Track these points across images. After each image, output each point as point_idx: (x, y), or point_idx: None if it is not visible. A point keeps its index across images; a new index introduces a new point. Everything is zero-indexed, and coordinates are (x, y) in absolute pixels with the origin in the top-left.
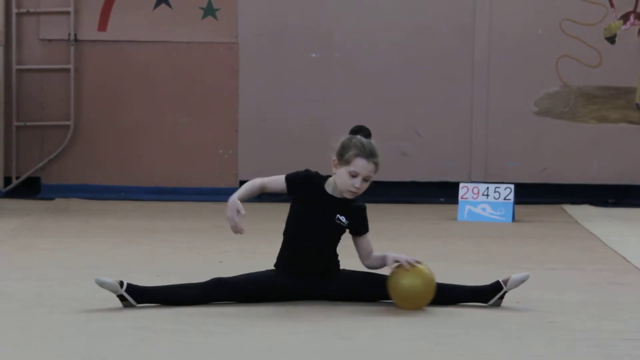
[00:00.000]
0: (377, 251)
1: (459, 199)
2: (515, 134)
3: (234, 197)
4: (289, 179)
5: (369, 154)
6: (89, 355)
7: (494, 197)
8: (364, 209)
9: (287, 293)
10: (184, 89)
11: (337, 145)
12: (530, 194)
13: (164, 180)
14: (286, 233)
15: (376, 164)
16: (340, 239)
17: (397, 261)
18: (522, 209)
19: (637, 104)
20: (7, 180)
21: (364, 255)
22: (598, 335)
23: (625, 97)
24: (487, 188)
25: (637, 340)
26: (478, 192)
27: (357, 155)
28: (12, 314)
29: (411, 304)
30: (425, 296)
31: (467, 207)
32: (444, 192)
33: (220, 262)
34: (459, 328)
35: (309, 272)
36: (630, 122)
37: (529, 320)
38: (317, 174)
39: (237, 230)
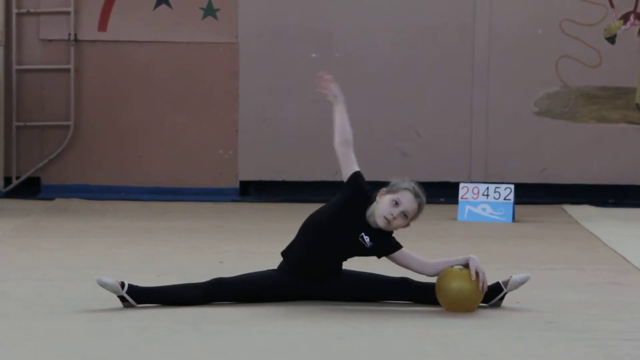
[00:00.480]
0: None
1: (459, 199)
2: (515, 134)
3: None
4: (357, 177)
5: (417, 194)
6: (89, 356)
7: (494, 197)
8: (390, 234)
9: (287, 293)
10: (184, 89)
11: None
12: (530, 194)
13: (164, 180)
14: (305, 229)
15: (420, 205)
16: (348, 257)
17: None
18: (522, 209)
19: (637, 104)
20: (7, 181)
21: (417, 267)
22: (598, 335)
23: (625, 97)
24: (487, 188)
25: (637, 340)
26: (478, 192)
27: (405, 189)
28: (12, 314)
29: (459, 307)
30: (472, 303)
31: (467, 207)
32: (444, 192)
33: (221, 262)
34: (459, 328)
35: (312, 276)
36: (630, 122)
37: (529, 320)
38: (368, 192)
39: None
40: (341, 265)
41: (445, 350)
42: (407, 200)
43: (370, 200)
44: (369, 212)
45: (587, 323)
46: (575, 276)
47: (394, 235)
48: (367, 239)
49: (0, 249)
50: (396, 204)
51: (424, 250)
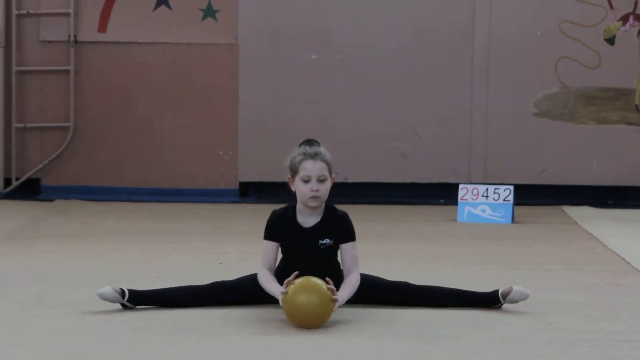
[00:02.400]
0: (351, 276)
1: (459, 200)
2: (515, 135)
3: (276, 292)
4: (267, 236)
5: (313, 155)
6: (89, 357)
7: (494, 199)
8: (345, 216)
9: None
10: (183, 90)
11: (287, 164)
12: (529, 195)
13: (164, 181)
14: (282, 261)
15: (325, 162)
16: (335, 254)
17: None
18: (522, 210)
19: (636, 106)
20: (7, 182)
21: (344, 268)
22: (597, 336)
23: (624, 99)
24: (487, 189)
25: (637, 341)
26: (477, 194)
27: (302, 161)
28: (12, 315)
29: (304, 321)
30: (321, 315)
31: (467, 208)
32: (443, 194)
33: (220, 263)
34: (457, 329)
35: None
36: (630, 123)
37: (528, 321)
38: (285, 209)
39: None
40: (336, 267)
41: (444, 351)
42: (311, 168)
43: (288, 214)
44: (301, 215)
45: (586, 324)
46: (574, 277)
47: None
48: (326, 240)
49: (0, 250)
50: (307, 180)
51: (423, 251)
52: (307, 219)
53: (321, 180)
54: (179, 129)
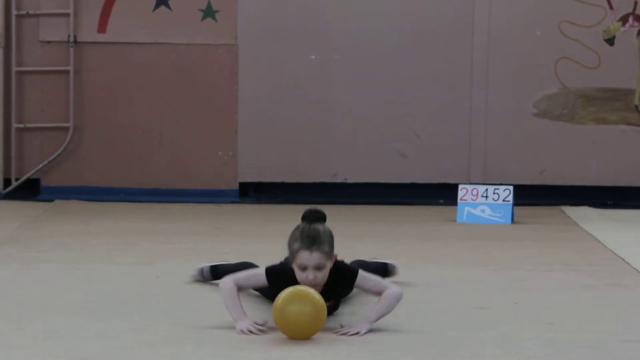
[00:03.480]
0: (385, 293)
1: (458, 200)
2: (514, 136)
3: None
4: (268, 273)
5: (310, 244)
6: (88, 357)
7: (493, 199)
8: (350, 280)
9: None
10: (183, 91)
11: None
12: (529, 196)
13: (164, 181)
14: None
15: (323, 252)
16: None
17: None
18: (521, 210)
19: (636, 106)
20: (7, 182)
21: (374, 292)
22: (597, 336)
23: (624, 99)
24: (486, 190)
25: (636, 342)
26: (477, 194)
27: (298, 250)
28: (11, 315)
29: (295, 332)
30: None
31: (467, 208)
32: (443, 194)
33: None
34: (457, 329)
35: None
36: (629, 123)
37: (527, 322)
38: (282, 270)
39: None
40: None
41: (444, 351)
42: (307, 260)
43: (289, 271)
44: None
45: (585, 324)
46: (574, 277)
47: (343, 262)
48: (330, 301)
49: (0, 250)
50: (304, 269)
51: (423, 251)
52: None
53: (316, 268)
54: (179, 130)
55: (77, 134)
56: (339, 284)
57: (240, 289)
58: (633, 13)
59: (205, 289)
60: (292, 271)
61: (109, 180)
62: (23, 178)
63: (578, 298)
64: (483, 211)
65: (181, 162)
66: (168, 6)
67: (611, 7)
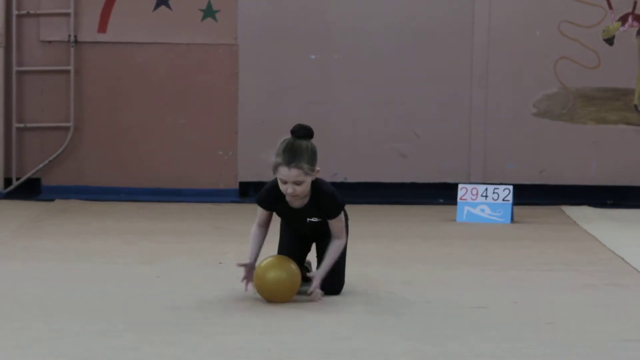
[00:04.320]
0: (333, 243)
1: (458, 200)
2: (514, 135)
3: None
4: (259, 203)
5: (289, 161)
6: (89, 357)
7: (493, 198)
8: (331, 199)
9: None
10: (183, 91)
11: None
12: (528, 195)
13: (164, 181)
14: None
15: (300, 168)
16: (322, 229)
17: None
18: (521, 210)
19: (635, 106)
20: (8, 182)
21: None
22: (596, 336)
23: (623, 99)
24: (486, 189)
25: (636, 341)
26: (477, 193)
27: (279, 165)
28: (12, 314)
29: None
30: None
31: (466, 208)
32: (443, 193)
33: (220, 262)
34: (457, 329)
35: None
36: (629, 123)
37: (527, 321)
38: (277, 187)
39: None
40: (326, 230)
41: (444, 351)
42: (286, 175)
43: (279, 192)
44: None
45: (585, 324)
46: (573, 277)
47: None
48: (314, 219)
49: (1, 250)
50: (284, 182)
51: (422, 251)
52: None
53: (295, 183)
54: (179, 129)
55: (77, 133)
56: (321, 206)
57: (262, 226)
58: (632, 13)
59: (206, 289)
60: (277, 191)
61: (109, 180)
62: (23, 178)
63: (578, 298)
64: (483, 211)
65: (181, 161)
66: (168, 6)
67: (610, 7)
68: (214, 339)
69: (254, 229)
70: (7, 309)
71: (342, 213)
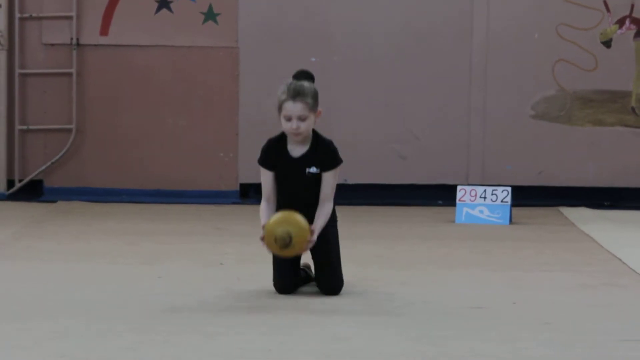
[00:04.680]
0: (324, 205)
1: (457, 201)
2: (512, 137)
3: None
4: (261, 162)
5: (294, 95)
6: (90, 357)
7: (491, 200)
8: (329, 146)
9: None
10: (185, 93)
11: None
12: (527, 197)
13: (165, 183)
14: (277, 192)
15: (306, 103)
16: (317, 186)
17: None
18: (519, 211)
19: (632, 108)
20: (10, 183)
21: (320, 194)
22: (594, 336)
23: (620, 101)
24: (485, 191)
25: (634, 341)
26: (475, 195)
27: (284, 101)
28: (15, 315)
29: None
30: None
31: (465, 209)
32: (441, 195)
33: (221, 263)
34: (455, 329)
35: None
36: (626, 125)
37: (525, 322)
38: (278, 138)
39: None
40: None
41: (443, 351)
42: (291, 110)
43: (279, 143)
44: (291, 144)
45: (583, 324)
46: (571, 277)
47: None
48: (312, 169)
49: (3, 251)
50: (289, 118)
51: (422, 252)
52: (296, 148)
53: (300, 119)
54: (180, 131)
55: (79, 135)
56: (321, 155)
57: (269, 198)
58: (630, 16)
59: (206, 290)
60: (277, 142)
61: (111, 182)
62: (26, 179)
63: (576, 298)
64: (481, 212)
65: (182, 163)
66: (170, 9)
67: (608, 10)
68: (215, 339)
69: (262, 204)
70: (9, 308)
71: (337, 169)
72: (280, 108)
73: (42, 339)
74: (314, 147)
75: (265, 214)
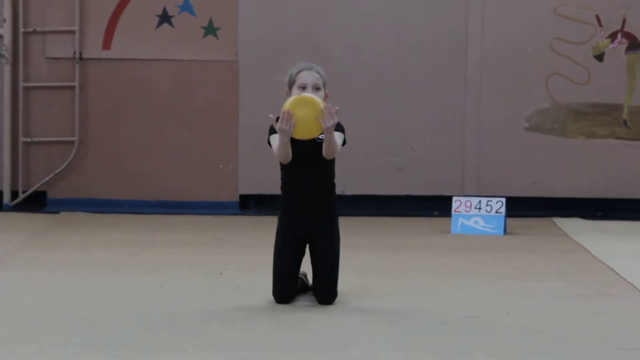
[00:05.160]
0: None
1: (453, 212)
2: (507, 149)
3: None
4: (273, 131)
5: (308, 67)
6: None
7: (486, 211)
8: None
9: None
10: (185, 106)
11: (285, 81)
12: (521, 207)
13: (166, 194)
14: (282, 181)
15: (319, 73)
16: (332, 162)
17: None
18: (513, 221)
19: (624, 120)
20: (14, 194)
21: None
22: (587, 344)
23: (613, 114)
24: (480, 202)
25: (626, 350)
26: (471, 206)
27: (299, 72)
28: (19, 323)
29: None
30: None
31: (460, 220)
32: (437, 206)
33: (221, 273)
34: (450, 337)
35: (308, 207)
36: (618, 137)
37: (519, 330)
38: None
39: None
40: (329, 183)
41: (438, 359)
42: (307, 77)
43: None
44: None
45: (576, 332)
46: (564, 287)
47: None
48: (321, 135)
49: (8, 261)
50: (304, 87)
51: (418, 261)
52: None
53: (316, 88)
54: (181, 143)
55: (82, 147)
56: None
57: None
58: (621, 30)
59: (207, 299)
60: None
61: (113, 193)
62: (30, 191)
63: (569, 307)
64: (476, 222)
65: (183, 175)
66: (171, 24)
67: (600, 24)
68: (214, 347)
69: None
70: (15, 316)
71: (342, 135)
72: (293, 81)
73: (46, 347)
74: None
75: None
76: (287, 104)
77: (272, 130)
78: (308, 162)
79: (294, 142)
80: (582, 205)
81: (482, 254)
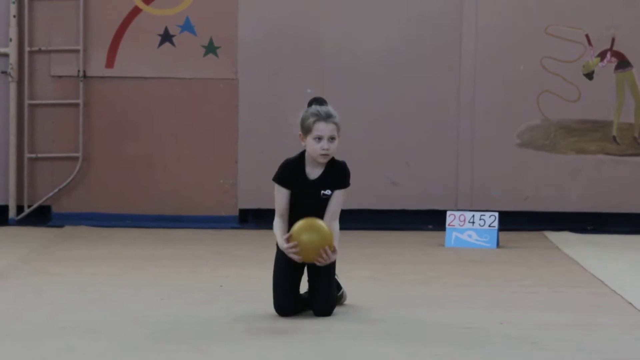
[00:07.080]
0: (334, 225)
1: (446, 226)
2: (499, 165)
3: (281, 244)
4: (278, 180)
5: (326, 117)
6: None
7: (479, 225)
8: (344, 167)
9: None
10: (186, 123)
11: (298, 122)
12: (513, 222)
13: (168, 208)
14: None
15: (335, 124)
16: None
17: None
18: (506, 235)
19: (613, 137)
20: (20, 209)
21: (327, 212)
22: (578, 355)
23: (602, 130)
24: (473, 216)
25: None
26: (464, 220)
27: (315, 122)
28: (24, 334)
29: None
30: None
31: (454, 233)
32: (432, 220)
33: (221, 285)
34: (444, 347)
35: None
36: (607, 153)
37: (512, 341)
38: (296, 160)
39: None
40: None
41: None
42: (323, 129)
43: (297, 164)
44: (308, 165)
45: (567, 343)
46: (556, 299)
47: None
48: (327, 192)
49: (13, 274)
50: (319, 138)
51: (413, 274)
52: (313, 170)
53: (331, 139)
54: (182, 159)
55: (85, 163)
56: (335, 175)
57: (282, 215)
58: (611, 49)
59: (207, 311)
60: (295, 164)
61: (116, 207)
62: (35, 205)
63: (560, 318)
64: (470, 236)
65: (184, 189)
66: (172, 43)
67: (590, 43)
68: (214, 356)
69: (276, 220)
70: (20, 328)
71: (347, 190)
72: (309, 130)
73: (52, 357)
74: (329, 169)
75: (281, 228)
76: (295, 228)
77: (279, 179)
78: (310, 206)
79: (296, 199)
80: (573, 219)
81: (475, 266)
